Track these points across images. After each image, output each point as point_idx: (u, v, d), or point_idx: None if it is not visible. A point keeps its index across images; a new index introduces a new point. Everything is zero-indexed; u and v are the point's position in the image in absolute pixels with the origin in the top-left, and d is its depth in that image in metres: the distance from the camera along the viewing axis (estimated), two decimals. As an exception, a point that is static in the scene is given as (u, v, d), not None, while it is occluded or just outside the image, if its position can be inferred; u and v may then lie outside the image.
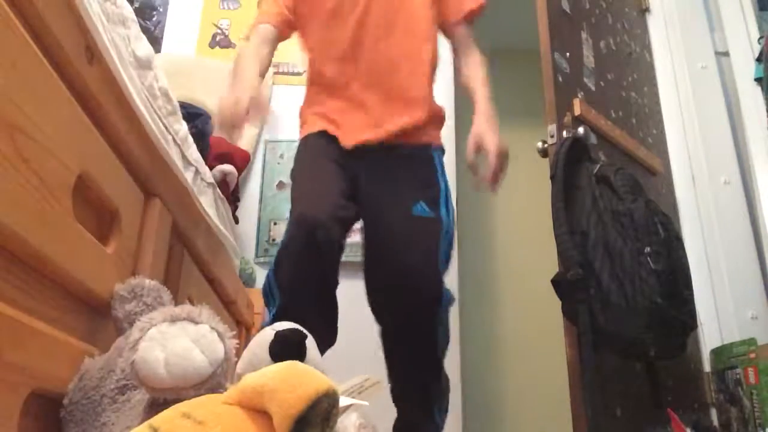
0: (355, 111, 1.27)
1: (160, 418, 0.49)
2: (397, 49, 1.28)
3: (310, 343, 0.66)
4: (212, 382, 0.58)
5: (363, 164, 1.22)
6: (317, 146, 1.26)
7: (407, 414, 1.18)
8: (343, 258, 1.17)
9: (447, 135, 2.34)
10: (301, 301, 1.07)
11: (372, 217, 1.20)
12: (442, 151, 1.33)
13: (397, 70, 1.27)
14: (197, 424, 0.48)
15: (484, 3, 1.37)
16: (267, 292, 1.12)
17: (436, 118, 1.35)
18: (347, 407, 0.59)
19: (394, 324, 1.16)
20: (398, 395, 1.18)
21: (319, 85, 1.33)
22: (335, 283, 1.15)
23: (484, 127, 1.22)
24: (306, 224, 1.07)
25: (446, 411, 1.21)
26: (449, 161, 2.33)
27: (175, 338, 0.59)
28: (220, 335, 0.62)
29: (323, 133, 1.26)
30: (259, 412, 0.49)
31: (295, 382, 0.47)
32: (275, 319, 1.05)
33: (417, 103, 1.28)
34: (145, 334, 0.58)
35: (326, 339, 1.08)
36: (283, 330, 0.66)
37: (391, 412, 1.19)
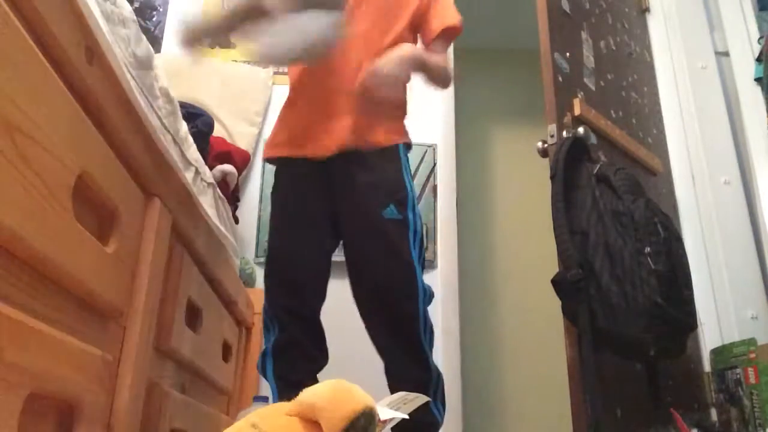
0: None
1: (234, 428, 0.59)
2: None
3: None
4: None
5: (334, 170, 1.25)
6: (289, 191, 1.29)
7: None
8: (336, 258, 1.29)
9: (446, 135, 2.36)
10: (296, 336, 1.20)
11: (348, 225, 1.25)
12: (408, 147, 1.33)
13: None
14: None
15: (461, 26, 1.37)
16: (266, 322, 1.24)
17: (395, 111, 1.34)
18: (390, 420, 0.64)
19: (378, 323, 1.22)
20: (393, 388, 1.20)
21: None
22: (319, 310, 1.26)
23: (389, 56, 1.20)
24: (287, 291, 1.21)
25: (443, 405, 1.21)
26: (449, 161, 2.34)
27: None
28: None
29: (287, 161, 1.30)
30: (314, 422, 0.59)
31: (337, 402, 0.58)
32: (273, 348, 1.21)
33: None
34: None
35: (321, 362, 1.23)
36: None
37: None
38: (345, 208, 1.24)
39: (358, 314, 1.24)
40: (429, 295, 1.23)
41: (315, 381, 1.17)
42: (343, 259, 1.26)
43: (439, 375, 1.22)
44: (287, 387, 1.14)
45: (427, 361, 1.20)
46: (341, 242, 1.27)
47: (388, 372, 1.21)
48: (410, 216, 1.23)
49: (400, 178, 1.25)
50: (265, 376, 1.22)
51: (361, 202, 1.22)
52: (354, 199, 1.22)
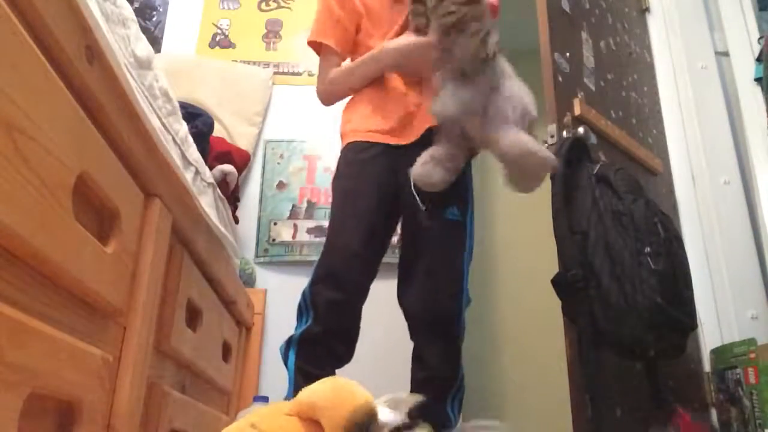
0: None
1: (233, 428, 0.59)
2: None
3: None
4: None
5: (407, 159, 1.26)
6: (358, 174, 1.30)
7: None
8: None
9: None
10: (330, 330, 1.19)
11: (409, 218, 1.28)
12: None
13: None
14: None
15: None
16: (301, 307, 1.23)
17: None
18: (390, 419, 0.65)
19: (422, 323, 1.24)
20: (418, 377, 1.22)
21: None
22: (362, 306, 1.25)
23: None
24: (335, 283, 1.20)
25: (460, 407, 1.22)
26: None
27: None
28: None
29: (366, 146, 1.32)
30: (313, 421, 0.59)
31: (338, 400, 0.58)
32: (302, 337, 1.19)
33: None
34: None
35: (345, 358, 1.22)
36: None
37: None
38: (408, 201, 1.26)
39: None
40: (468, 300, 1.27)
41: None
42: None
43: (463, 380, 1.24)
44: (306, 380, 1.12)
45: (459, 362, 1.23)
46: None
47: (419, 360, 1.22)
48: (468, 221, 1.29)
49: (466, 180, 1.33)
50: (285, 363, 1.21)
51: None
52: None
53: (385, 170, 1.28)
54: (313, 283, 1.22)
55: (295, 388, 1.14)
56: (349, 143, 1.34)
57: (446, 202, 1.26)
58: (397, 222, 1.34)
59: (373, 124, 1.32)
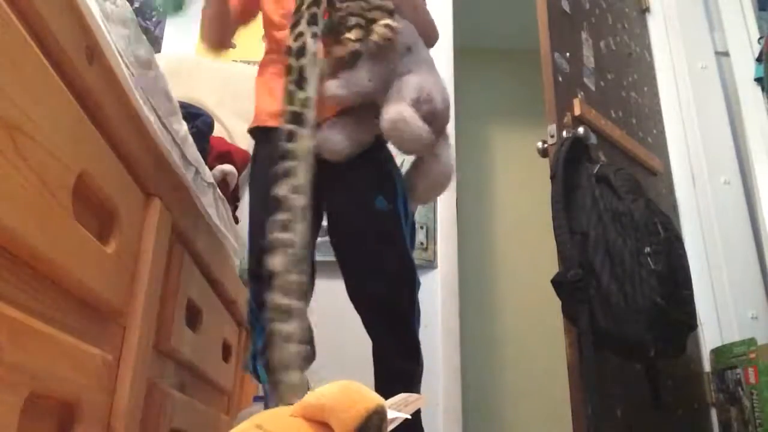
0: None
1: (239, 430, 0.58)
2: None
3: None
4: None
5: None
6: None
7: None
8: (321, 258, 1.29)
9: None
10: None
11: (335, 214, 1.24)
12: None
13: None
14: None
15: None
16: (251, 322, 1.21)
17: None
18: (394, 419, 0.64)
19: (372, 314, 1.22)
20: (381, 374, 1.21)
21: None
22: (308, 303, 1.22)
23: None
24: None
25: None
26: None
27: None
28: None
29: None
30: (321, 423, 0.58)
31: (350, 401, 0.57)
32: (263, 346, 1.12)
33: None
34: None
35: (311, 356, 1.18)
36: None
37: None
38: (335, 197, 1.23)
39: (351, 314, 1.24)
40: (418, 284, 1.25)
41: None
42: (322, 259, 1.26)
43: (421, 373, 1.22)
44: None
45: (418, 352, 1.21)
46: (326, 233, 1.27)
47: (379, 359, 1.21)
48: (400, 207, 1.24)
49: (389, 168, 1.27)
50: (258, 379, 1.20)
51: (353, 191, 1.22)
52: (346, 187, 1.22)
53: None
54: (251, 291, 1.20)
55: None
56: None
57: (373, 192, 1.22)
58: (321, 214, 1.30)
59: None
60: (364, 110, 1.22)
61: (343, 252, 1.25)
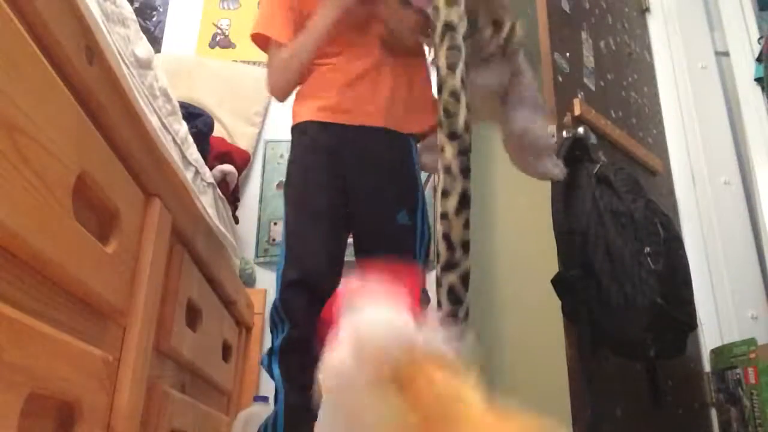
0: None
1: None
2: None
3: None
4: None
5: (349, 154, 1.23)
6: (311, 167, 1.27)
7: None
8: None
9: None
10: (310, 336, 1.14)
11: (360, 223, 1.24)
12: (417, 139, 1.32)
13: None
14: None
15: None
16: (274, 318, 1.19)
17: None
18: None
19: None
20: None
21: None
22: None
23: None
24: (306, 285, 1.16)
25: None
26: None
27: None
28: None
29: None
30: None
31: None
32: (282, 347, 1.15)
33: None
34: None
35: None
36: None
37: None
38: (360, 201, 1.23)
39: None
40: (427, 300, 1.23)
41: None
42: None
43: None
44: (293, 387, 1.12)
45: None
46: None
47: None
48: (419, 220, 1.24)
49: (413, 170, 1.27)
50: (271, 375, 1.19)
51: (377, 202, 1.22)
52: (371, 196, 1.23)
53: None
54: (284, 291, 1.19)
55: (286, 400, 1.12)
56: None
57: (396, 206, 1.23)
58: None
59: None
60: None
61: (362, 255, 1.25)
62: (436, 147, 0.98)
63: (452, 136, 0.92)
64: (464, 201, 0.91)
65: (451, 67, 0.95)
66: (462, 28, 0.99)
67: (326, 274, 1.19)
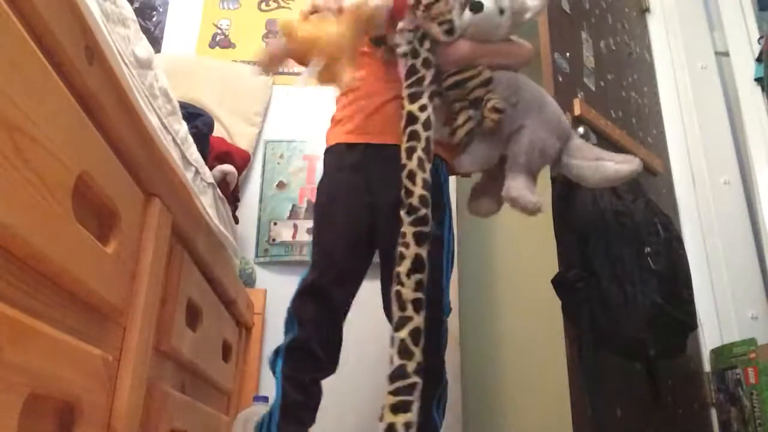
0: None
1: None
2: None
3: None
4: None
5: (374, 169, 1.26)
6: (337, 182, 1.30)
7: None
8: None
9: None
10: (314, 340, 1.19)
11: (384, 236, 1.24)
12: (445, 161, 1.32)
13: None
14: None
15: None
16: (287, 321, 1.24)
17: None
18: None
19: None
20: None
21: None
22: (344, 319, 1.26)
23: None
24: (316, 294, 1.21)
25: (443, 412, 1.22)
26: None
27: None
28: None
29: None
30: None
31: None
32: (288, 347, 1.20)
33: None
34: None
35: (330, 369, 1.23)
36: None
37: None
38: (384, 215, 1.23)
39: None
40: (448, 311, 1.25)
41: (319, 386, 1.19)
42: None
43: (446, 385, 1.22)
44: (293, 387, 1.15)
45: (442, 367, 1.21)
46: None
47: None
48: (446, 231, 1.25)
49: (440, 193, 1.26)
50: (273, 371, 1.22)
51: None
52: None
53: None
54: (298, 295, 1.23)
55: (283, 395, 1.15)
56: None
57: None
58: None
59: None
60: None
61: (389, 265, 1.23)
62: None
63: (408, 212, 1.09)
64: (417, 265, 1.06)
65: (408, 152, 1.12)
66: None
67: (339, 286, 1.22)
